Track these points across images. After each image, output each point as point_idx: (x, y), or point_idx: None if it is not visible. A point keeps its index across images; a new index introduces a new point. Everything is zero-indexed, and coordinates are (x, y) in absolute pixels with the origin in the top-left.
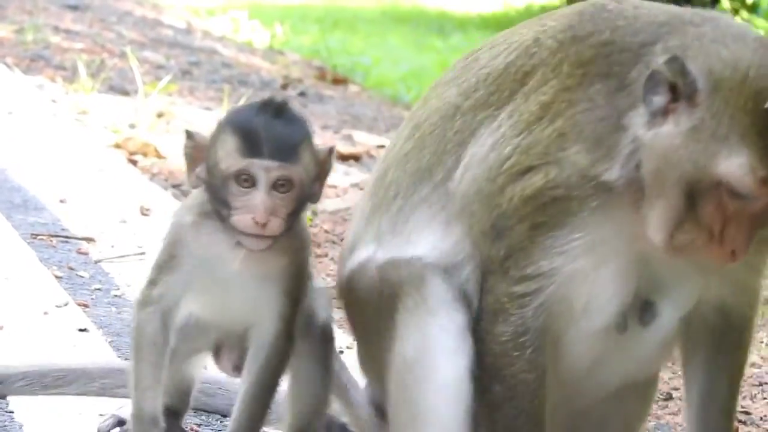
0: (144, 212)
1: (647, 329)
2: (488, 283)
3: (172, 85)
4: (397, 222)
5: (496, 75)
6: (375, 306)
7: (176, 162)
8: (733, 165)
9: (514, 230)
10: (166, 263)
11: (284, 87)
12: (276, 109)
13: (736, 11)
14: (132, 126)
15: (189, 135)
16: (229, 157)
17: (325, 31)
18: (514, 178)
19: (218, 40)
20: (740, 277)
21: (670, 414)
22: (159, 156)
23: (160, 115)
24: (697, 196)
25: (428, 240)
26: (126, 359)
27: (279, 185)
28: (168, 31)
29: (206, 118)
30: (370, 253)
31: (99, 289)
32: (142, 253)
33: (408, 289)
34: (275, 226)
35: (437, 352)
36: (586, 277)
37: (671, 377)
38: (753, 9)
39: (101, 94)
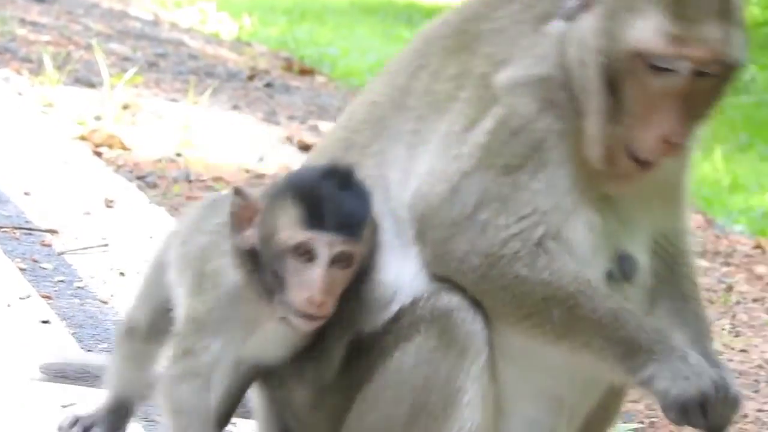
0: (108, 204)
1: (633, 285)
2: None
3: (138, 77)
4: None
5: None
6: None
7: (141, 153)
8: (645, 29)
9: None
10: (210, 325)
11: (251, 78)
12: (341, 178)
13: None
14: (98, 118)
15: (239, 192)
16: (289, 227)
17: (292, 22)
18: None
19: (185, 32)
20: (673, 200)
21: (631, 401)
22: (124, 148)
23: (125, 107)
24: (619, 80)
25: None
26: (88, 350)
27: (338, 261)
28: (135, 23)
29: (172, 110)
30: None
31: (62, 281)
32: (106, 245)
33: None
34: (329, 306)
35: None
36: (566, 220)
37: None
38: None
39: (67, 86)
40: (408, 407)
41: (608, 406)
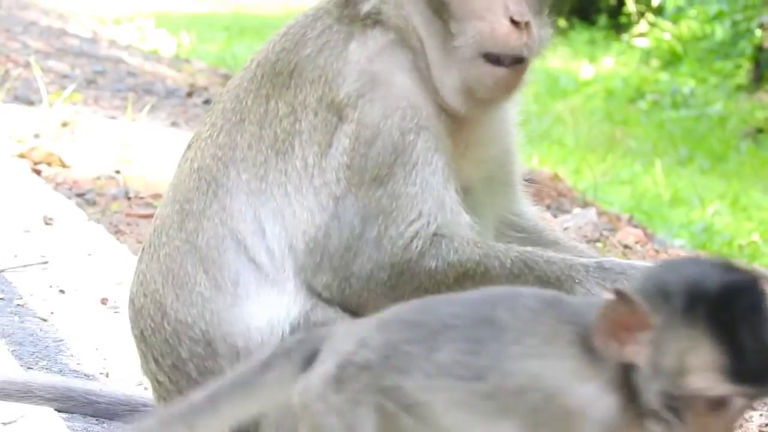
0: (47, 222)
1: None
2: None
3: (77, 95)
4: None
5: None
6: None
7: (80, 171)
8: None
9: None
10: None
11: (189, 95)
12: (756, 299)
13: (641, 14)
14: (36, 136)
15: (623, 296)
16: (705, 375)
17: (231, 38)
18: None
19: (124, 49)
20: (509, 186)
21: None
22: (63, 165)
23: (64, 125)
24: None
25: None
26: (28, 368)
27: (747, 408)
28: (74, 41)
29: (111, 127)
30: None
31: (2, 298)
32: (45, 262)
33: None
34: None
35: None
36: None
37: None
38: (659, 12)
39: (6, 104)
40: None
41: None
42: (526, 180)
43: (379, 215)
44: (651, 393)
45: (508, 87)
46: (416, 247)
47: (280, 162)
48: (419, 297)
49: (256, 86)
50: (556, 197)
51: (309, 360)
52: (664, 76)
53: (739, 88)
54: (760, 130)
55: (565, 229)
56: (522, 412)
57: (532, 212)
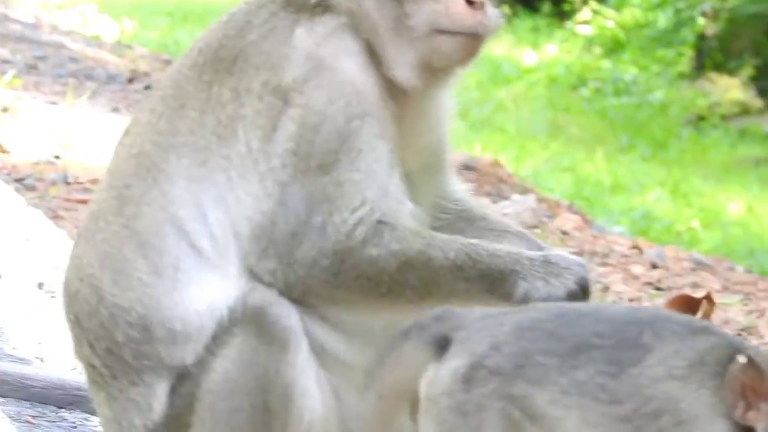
0: None
1: None
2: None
3: (17, 80)
4: None
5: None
6: None
7: (20, 156)
8: None
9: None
10: None
11: (131, 81)
12: None
13: (585, 1)
14: None
15: (752, 364)
16: None
17: (174, 24)
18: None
19: (66, 34)
20: (441, 168)
21: None
22: (3, 150)
23: (4, 110)
24: None
25: None
26: None
27: None
28: (15, 26)
29: (51, 112)
30: None
31: None
32: None
33: None
34: None
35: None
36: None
37: None
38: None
39: None
40: (248, 413)
41: None
42: (466, 167)
43: (324, 202)
44: None
45: (465, 54)
46: (359, 234)
47: (223, 147)
48: (361, 285)
49: (198, 72)
50: (496, 184)
51: (440, 344)
52: (606, 64)
53: (681, 75)
54: (701, 118)
55: (504, 215)
56: None
57: (460, 191)
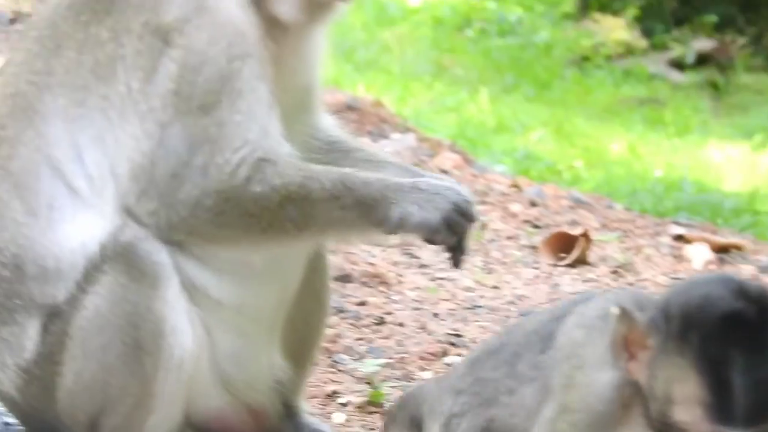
0: None
1: None
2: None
3: None
4: None
5: None
6: None
7: None
8: None
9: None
10: None
11: (12, 22)
12: (756, 339)
13: None
14: None
15: (626, 315)
16: (691, 412)
17: None
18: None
19: None
20: (313, 103)
21: (381, 338)
22: None
23: None
24: None
25: None
26: None
27: None
28: None
29: None
30: None
31: None
32: None
33: None
34: None
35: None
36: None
37: (384, 302)
38: None
39: None
40: (120, 349)
41: (311, 322)
42: (349, 107)
43: (206, 143)
44: (651, 411)
45: None
46: (242, 173)
47: (102, 87)
48: (244, 222)
49: (75, 13)
50: (378, 124)
51: (417, 425)
52: (491, 4)
53: (565, 16)
54: (585, 58)
55: None
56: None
57: (334, 128)
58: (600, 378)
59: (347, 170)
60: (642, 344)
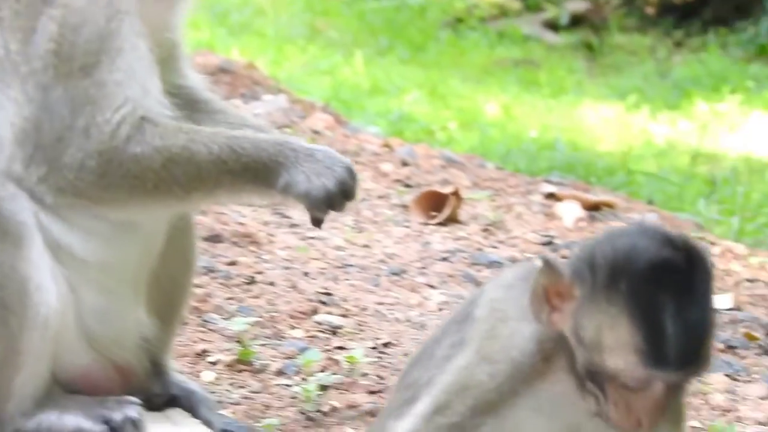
0: None
1: None
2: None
3: None
4: None
5: None
6: None
7: None
8: None
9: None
10: (487, 405)
11: None
12: (685, 282)
13: None
14: None
15: (548, 265)
16: (624, 360)
17: None
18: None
19: None
20: (176, 59)
21: (252, 297)
22: None
23: None
24: None
25: None
26: None
27: (673, 389)
28: None
29: None
30: None
31: None
32: None
33: None
34: (652, 426)
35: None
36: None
37: (255, 261)
38: None
39: None
40: None
41: (177, 280)
42: (222, 70)
43: (87, 104)
44: (578, 363)
45: None
46: (123, 132)
47: None
48: (129, 184)
49: None
50: (251, 86)
51: None
52: None
53: None
54: (459, 20)
55: (256, 115)
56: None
57: (198, 86)
58: (522, 329)
59: (236, 133)
60: (567, 295)
